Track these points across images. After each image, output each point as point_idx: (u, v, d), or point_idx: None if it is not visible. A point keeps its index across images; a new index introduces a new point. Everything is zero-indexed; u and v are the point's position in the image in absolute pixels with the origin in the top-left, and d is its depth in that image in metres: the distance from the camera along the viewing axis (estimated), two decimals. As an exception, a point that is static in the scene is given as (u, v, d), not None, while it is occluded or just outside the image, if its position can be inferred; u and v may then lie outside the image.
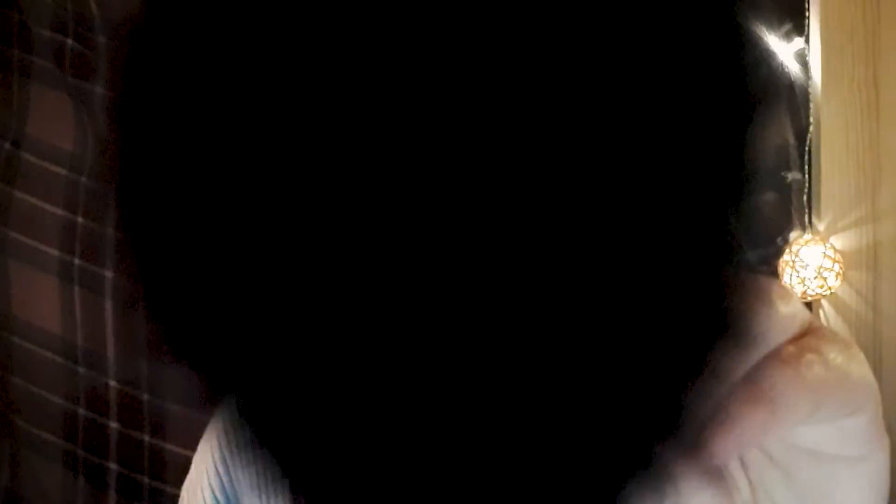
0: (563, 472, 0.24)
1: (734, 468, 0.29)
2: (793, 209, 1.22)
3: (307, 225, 0.23)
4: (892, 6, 1.16)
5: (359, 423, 0.24)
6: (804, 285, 1.17)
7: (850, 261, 1.19)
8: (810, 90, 1.19)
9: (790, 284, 1.18)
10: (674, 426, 0.24)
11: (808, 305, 1.22)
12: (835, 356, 0.26)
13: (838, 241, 1.20)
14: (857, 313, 1.21)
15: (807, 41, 1.18)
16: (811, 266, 1.17)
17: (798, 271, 1.17)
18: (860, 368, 0.27)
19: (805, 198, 1.21)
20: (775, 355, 0.25)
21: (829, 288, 1.17)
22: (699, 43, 0.24)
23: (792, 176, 1.21)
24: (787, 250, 1.19)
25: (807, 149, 1.21)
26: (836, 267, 1.17)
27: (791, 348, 0.26)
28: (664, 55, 0.23)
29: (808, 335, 0.26)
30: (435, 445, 0.24)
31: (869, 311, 1.20)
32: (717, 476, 0.27)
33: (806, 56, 1.18)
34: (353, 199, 0.23)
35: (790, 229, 1.22)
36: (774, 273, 1.20)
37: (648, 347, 0.23)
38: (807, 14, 1.18)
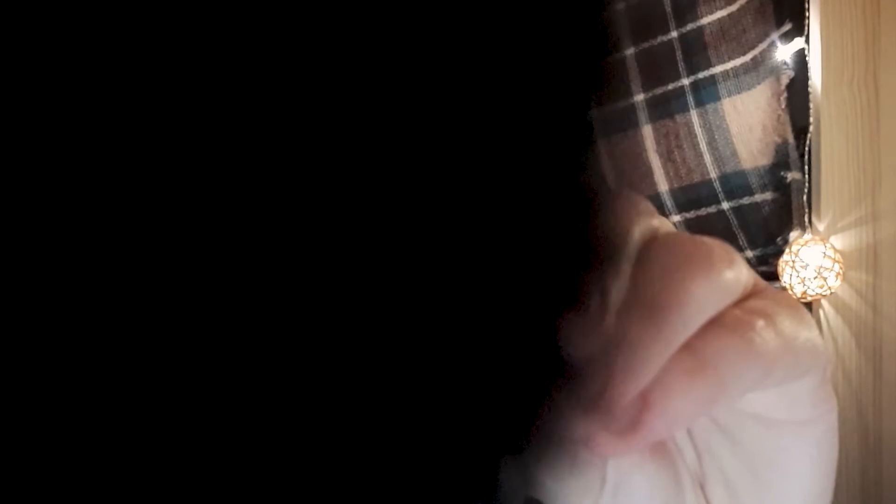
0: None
1: (679, 435, 0.28)
2: (793, 209, 1.22)
3: None
4: (893, 6, 1.16)
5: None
6: (804, 285, 1.17)
7: (850, 261, 1.19)
8: (810, 90, 1.19)
9: (790, 284, 1.18)
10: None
11: (808, 305, 1.22)
12: (782, 319, 0.24)
13: (838, 241, 1.20)
14: (857, 313, 1.21)
15: (807, 41, 1.18)
16: (811, 266, 1.17)
17: (798, 271, 1.17)
18: (808, 331, 0.25)
19: (805, 198, 1.21)
20: (718, 321, 0.24)
21: (830, 288, 1.17)
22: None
23: (792, 176, 1.21)
24: (787, 250, 1.19)
25: (807, 149, 1.21)
26: (836, 267, 1.17)
27: (736, 312, 0.24)
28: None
29: (754, 297, 0.24)
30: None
31: (869, 311, 1.20)
32: (659, 448, 0.26)
33: (806, 56, 1.18)
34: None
35: (790, 229, 1.22)
36: (774, 273, 1.20)
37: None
38: (807, 14, 1.18)
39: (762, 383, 0.24)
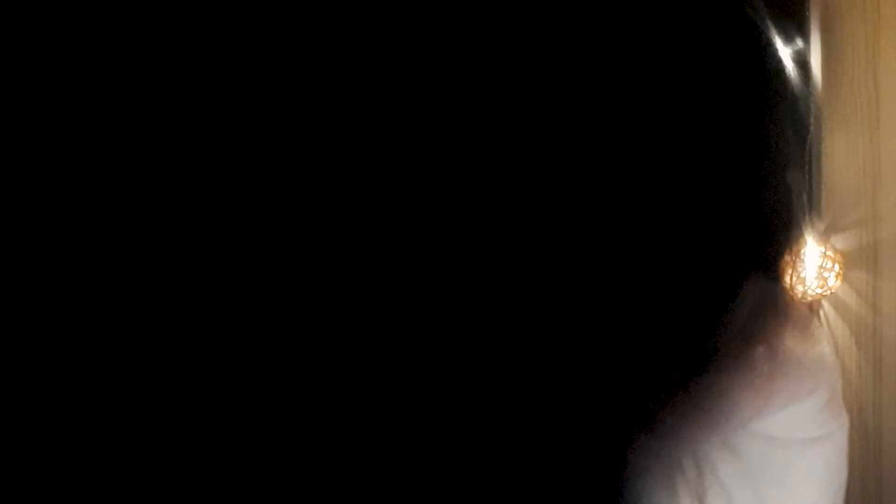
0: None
1: (681, 450, 0.28)
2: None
3: None
4: (893, 6, 1.16)
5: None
6: (804, 285, 1.17)
7: (850, 261, 1.19)
8: (810, 90, 1.19)
9: (789, 285, 1.18)
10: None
11: (808, 306, 1.22)
12: (786, 340, 0.25)
13: (838, 241, 1.20)
14: (857, 313, 1.21)
15: (806, 41, 1.18)
16: (811, 266, 1.17)
17: (798, 272, 1.17)
18: (814, 347, 0.26)
19: (805, 198, 1.21)
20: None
21: (829, 288, 1.17)
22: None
23: (792, 176, 1.21)
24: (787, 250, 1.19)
25: (807, 149, 1.20)
26: (836, 267, 1.17)
27: None
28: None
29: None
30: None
31: (869, 311, 1.20)
32: (658, 463, 0.26)
33: (806, 56, 1.18)
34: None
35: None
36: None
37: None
38: (807, 14, 1.17)
39: (763, 410, 0.24)
